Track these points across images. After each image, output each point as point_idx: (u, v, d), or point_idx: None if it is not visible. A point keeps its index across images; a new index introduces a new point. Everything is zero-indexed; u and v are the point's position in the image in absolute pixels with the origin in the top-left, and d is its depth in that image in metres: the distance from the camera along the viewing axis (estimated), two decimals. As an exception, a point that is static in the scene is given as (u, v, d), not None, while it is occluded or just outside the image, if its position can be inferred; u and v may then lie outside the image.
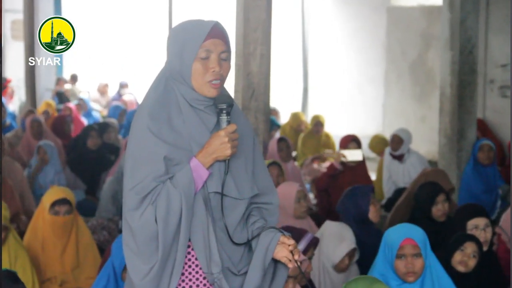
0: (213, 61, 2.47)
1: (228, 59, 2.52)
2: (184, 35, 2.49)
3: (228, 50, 2.51)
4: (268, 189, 2.65)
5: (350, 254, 4.16)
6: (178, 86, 2.51)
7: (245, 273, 2.53)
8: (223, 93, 2.53)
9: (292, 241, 2.50)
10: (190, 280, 2.51)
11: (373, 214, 4.66)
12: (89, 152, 7.52)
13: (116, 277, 3.77)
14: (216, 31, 2.48)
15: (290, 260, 2.49)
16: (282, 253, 2.50)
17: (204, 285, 2.52)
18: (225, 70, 2.51)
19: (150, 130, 2.44)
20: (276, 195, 2.68)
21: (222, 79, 2.50)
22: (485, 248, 4.17)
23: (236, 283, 2.53)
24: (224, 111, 2.48)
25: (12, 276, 3.30)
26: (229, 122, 2.49)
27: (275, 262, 2.57)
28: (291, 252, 2.49)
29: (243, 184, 2.54)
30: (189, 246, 2.48)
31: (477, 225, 4.28)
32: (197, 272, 2.51)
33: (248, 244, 2.56)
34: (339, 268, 4.15)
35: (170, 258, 2.44)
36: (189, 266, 2.51)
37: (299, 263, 2.51)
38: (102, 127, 8.31)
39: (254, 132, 2.74)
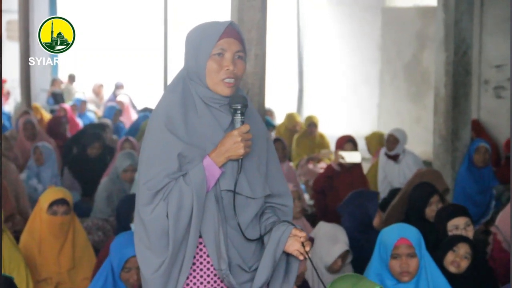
0: (227, 60, 2.51)
1: (243, 58, 2.55)
2: (199, 35, 2.53)
3: (243, 50, 2.55)
4: (284, 192, 2.69)
5: (343, 256, 4.18)
6: (195, 86, 2.55)
7: (256, 269, 2.56)
8: (238, 93, 2.55)
9: (303, 233, 2.53)
10: (201, 276, 2.55)
11: (377, 221, 4.67)
12: (90, 157, 7.46)
13: (114, 277, 3.73)
14: (230, 31, 2.52)
15: (301, 253, 2.52)
16: (293, 246, 2.53)
17: (215, 281, 2.56)
18: (240, 69, 2.54)
19: (166, 127, 2.48)
20: (291, 198, 2.71)
21: (236, 78, 2.53)
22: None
23: (246, 279, 2.56)
24: (238, 111, 2.51)
25: (8, 282, 3.29)
26: (243, 122, 2.52)
27: (287, 256, 2.60)
28: (302, 244, 2.52)
29: (255, 183, 2.57)
30: (201, 243, 2.53)
31: (457, 226, 4.23)
32: (208, 269, 2.56)
33: (260, 240, 2.60)
34: (332, 269, 4.17)
35: (180, 254, 2.48)
36: (201, 263, 2.55)
37: (309, 255, 2.53)
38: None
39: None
